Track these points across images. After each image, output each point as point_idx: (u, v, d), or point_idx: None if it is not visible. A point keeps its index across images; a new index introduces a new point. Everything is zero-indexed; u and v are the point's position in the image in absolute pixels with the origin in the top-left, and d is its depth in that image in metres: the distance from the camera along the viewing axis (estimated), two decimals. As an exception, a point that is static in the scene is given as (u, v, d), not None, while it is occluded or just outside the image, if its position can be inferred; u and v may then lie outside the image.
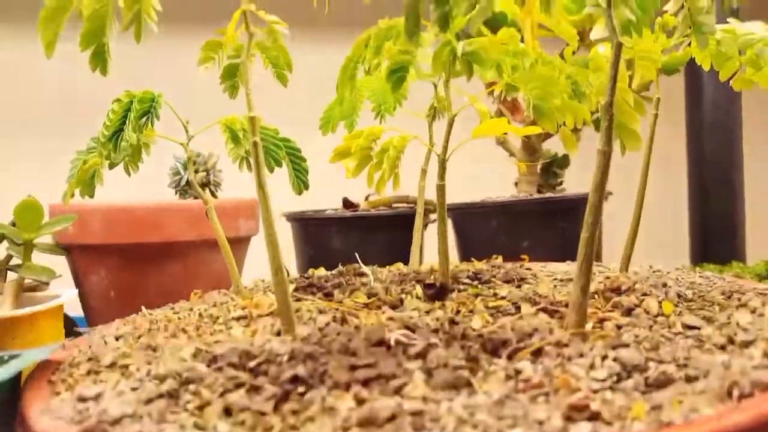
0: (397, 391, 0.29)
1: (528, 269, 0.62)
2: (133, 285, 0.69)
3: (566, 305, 0.43)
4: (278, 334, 0.40)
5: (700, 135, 1.11)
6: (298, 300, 0.49)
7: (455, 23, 0.37)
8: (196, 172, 0.85)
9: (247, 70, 0.39)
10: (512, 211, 0.80)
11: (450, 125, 0.49)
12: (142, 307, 0.56)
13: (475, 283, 0.53)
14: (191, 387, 0.32)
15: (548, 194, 0.89)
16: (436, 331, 0.37)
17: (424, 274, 0.58)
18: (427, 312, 0.44)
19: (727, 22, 0.47)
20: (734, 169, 1.10)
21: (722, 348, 0.34)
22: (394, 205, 1.02)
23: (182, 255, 0.71)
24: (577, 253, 0.36)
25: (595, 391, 0.29)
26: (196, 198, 0.86)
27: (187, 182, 0.85)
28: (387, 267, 0.70)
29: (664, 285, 0.50)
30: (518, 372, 0.31)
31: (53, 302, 0.53)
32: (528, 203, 0.81)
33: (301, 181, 0.60)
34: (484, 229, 0.82)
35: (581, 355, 0.33)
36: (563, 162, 1.00)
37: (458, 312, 0.44)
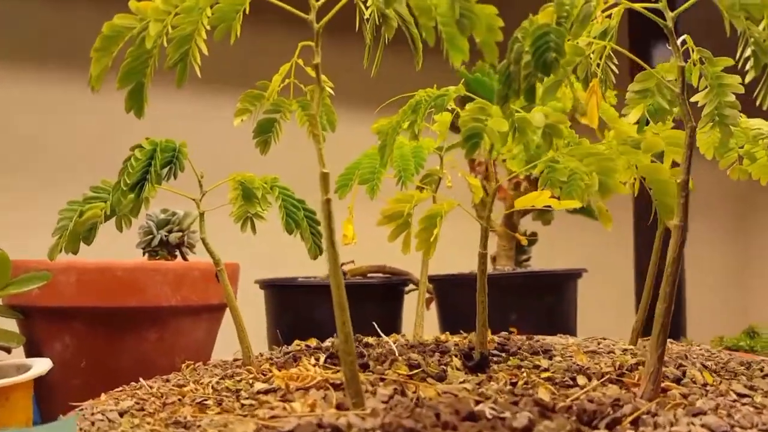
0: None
1: (537, 341, 0.62)
2: (106, 354, 0.62)
3: (619, 375, 0.42)
4: (340, 407, 0.36)
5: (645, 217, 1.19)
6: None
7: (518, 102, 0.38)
8: (170, 232, 0.80)
9: (317, 123, 0.38)
10: (500, 284, 0.81)
11: (492, 197, 0.49)
12: (140, 379, 0.50)
13: (503, 354, 0.52)
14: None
15: (534, 269, 0.91)
16: (515, 403, 0.36)
17: (448, 345, 0.56)
18: (479, 384, 0.43)
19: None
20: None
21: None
22: (370, 275, 1.00)
23: (162, 322, 0.65)
24: (654, 323, 0.37)
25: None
26: (166, 259, 0.80)
27: (160, 242, 0.79)
28: (388, 338, 0.67)
29: (686, 357, 0.51)
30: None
31: (30, 373, 0.46)
32: (517, 277, 0.82)
33: (316, 246, 0.57)
34: (471, 301, 0.82)
35: (672, 424, 0.33)
36: (532, 240, 1.04)
37: (513, 384, 0.42)
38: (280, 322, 0.83)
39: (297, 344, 0.69)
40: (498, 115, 0.40)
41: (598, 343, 0.60)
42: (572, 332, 0.86)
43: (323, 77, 0.48)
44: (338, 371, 0.45)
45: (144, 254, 0.81)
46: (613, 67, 0.44)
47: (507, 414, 0.32)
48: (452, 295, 0.85)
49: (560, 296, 0.82)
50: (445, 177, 0.70)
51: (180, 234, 0.80)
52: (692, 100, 0.50)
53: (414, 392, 0.40)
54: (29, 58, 1.16)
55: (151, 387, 0.48)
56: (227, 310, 0.78)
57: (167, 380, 0.52)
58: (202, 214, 0.52)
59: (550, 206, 0.47)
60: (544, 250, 1.07)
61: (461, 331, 0.78)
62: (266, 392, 0.44)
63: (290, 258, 0.96)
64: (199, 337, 0.70)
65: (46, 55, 1.16)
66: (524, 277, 0.82)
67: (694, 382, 0.42)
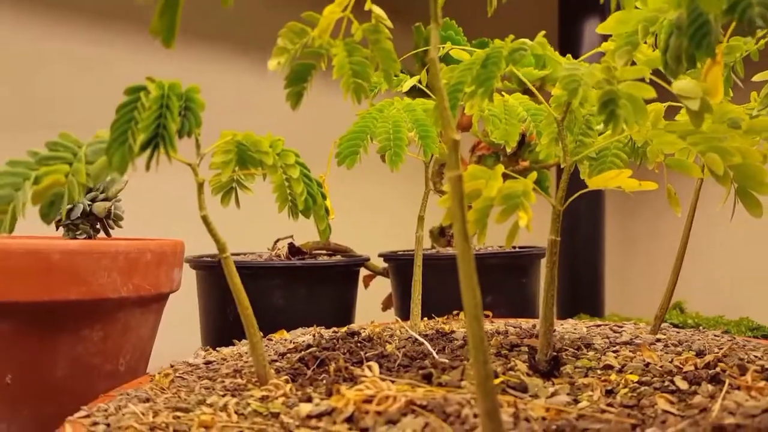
0: None
1: (554, 331, 0.58)
2: (35, 361, 0.47)
3: (713, 376, 0.39)
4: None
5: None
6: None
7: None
8: (94, 200, 0.63)
9: (438, 71, 0.28)
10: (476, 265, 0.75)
11: (568, 173, 0.43)
12: (120, 398, 0.37)
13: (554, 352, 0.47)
14: None
15: (507, 248, 0.87)
16: (663, 422, 0.30)
17: (456, 336, 0.49)
18: (570, 394, 0.37)
19: None
20: (599, 232, 1.23)
21: None
22: (314, 252, 0.90)
23: (108, 318, 0.51)
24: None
25: None
26: (89, 236, 0.64)
27: (82, 214, 0.62)
28: (391, 328, 0.58)
29: (743, 347, 0.49)
30: None
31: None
32: (492, 257, 0.77)
33: (329, 227, 0.47)
34: (444, 282, 0.76)
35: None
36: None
37: (609, 392, 0.37)
38: (224, 312, 0.70)
39: (267, 338, 0.58)
40: (627, 77, 0.34)
41: (614, 331, 0.57)
42: (535, 314, 0.84)
43: (381, 13, 0.38)
44: (410, 385, 0.36)
45: (57, 228, 0.64)
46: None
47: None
48: (408, 274, 0.79)
49: (531, 276, 0.79)
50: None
51: (107, 203, 0.64)
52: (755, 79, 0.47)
53: (516, 411, 0.33)
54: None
55: (142, 414, 0.36)
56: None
57: (148, 399, 0.40)
58: (201, 184, 0.40)
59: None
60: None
61: (433, 315, 0.72)
62: (319, 417, 0.34)
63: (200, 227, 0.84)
64: (144, 334, 0.57)
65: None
66: (499, 257, 0.78)
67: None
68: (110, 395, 0.41)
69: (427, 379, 0.38)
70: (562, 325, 0.63)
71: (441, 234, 0.98)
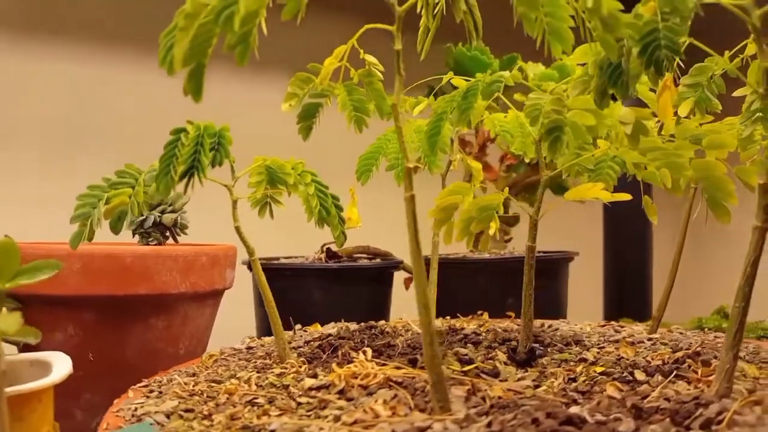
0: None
1: (555, 329, 0.63)
2: (112, 345, 0.58)
3: (675, 369, 0.43)
4: (422, 409, 0.35)
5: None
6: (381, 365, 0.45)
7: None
8: (163, 212, 0.75)
9: (399, 115, 0.36)
10: (499, 268, 0.81)
11: (544, 186, 0.48)
12: (174, 373, 0.47)
13: (539, 346, 0.52)
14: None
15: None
16: (598, 403, 0.36)
17: (467, 333, 0.56)
18: (536, 380, 0.43)
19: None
20: (646, 233, 1.24)
21: None
22: (355, 255, 0.98)
23: (170, 309, 0.61)
24: (730, 321, 0.37)
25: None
26: (159, 243, 0.76)
27: (153, 223, 0.74)
28: (403, 323, 0.66)
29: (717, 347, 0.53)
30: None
31: (65, 370, 0.42)
32: (516, 260, 0.82)
33: (344, 234, 0.55)
34: (468, 284, 0.82)
35: (763, 423, 0.34)
36: (514, 221, 1.05)
37: (572, 380, 0.42)
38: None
39: (302, 329, 0.67)
40: (577, 107, 0.39)
41: (616, 331, 0.62)
42: (564, 316, 0.88)
43: (373, 60, 0.45)
44: (396, 367, 0.44)
45: (134, 236, 0.76)
46: (680, 62, 0.44)
47: (603, 417, 0.32)
48: (446, 279, 0.85)
49: (557, 280, 0.84)
50: (454, 160, 0.69)
51: (174, 215, 0.76)
52: (735, 94, 0.51)
53: (473, 389, 0.39)
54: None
55: (186, 384, 0.46)
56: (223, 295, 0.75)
57: (194, 374, 0.49)
58: (235, 202, 0.49)
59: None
60: (518, 232, 1.09)
61: (458, 315, 0.78)
62: (318, 389, 0.42)
63: (270, 237, 0.94)
64: (201, 324, 0.67)
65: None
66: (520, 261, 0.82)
67: (745, 376, 0.43)
68: (166, 371, 0.51)
69: (413, 363, 0.45)
70: (569, 324, 0.68)
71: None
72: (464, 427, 0.32)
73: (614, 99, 0.35)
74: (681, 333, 0.60)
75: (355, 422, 0.34)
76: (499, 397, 0.39)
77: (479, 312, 0.78)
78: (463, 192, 0.44)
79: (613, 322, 0.65)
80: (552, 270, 0.84)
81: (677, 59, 0.42)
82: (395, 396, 0.38)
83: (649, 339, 0.56)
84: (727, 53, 0.44)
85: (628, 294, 1.23)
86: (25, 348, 0.53)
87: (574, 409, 0.33)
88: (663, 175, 0.41)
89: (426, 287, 0.35)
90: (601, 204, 1.37)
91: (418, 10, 0.41)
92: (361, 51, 0.44)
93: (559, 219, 1.59)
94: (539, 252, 0.89)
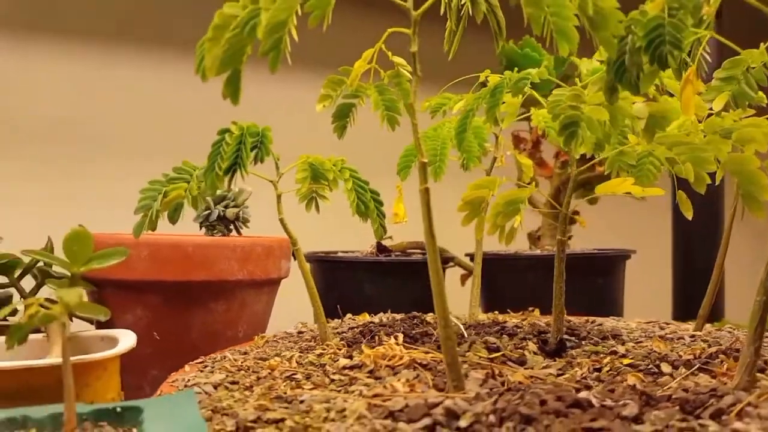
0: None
1: (599, 324, 0.63)
2: (176, 326, 0.64)
3: (703, 364, 0.43)
4: (440, 389, 0.38)
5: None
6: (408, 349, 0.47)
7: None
8: (226, 207, 0.81)
9: (415, 113, 0.38)
10: (551, 265, 0.81)
11: (574, 181, 0.49)
12: (227, 352, 0.52)
13: (574, 338, 0.53)
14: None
15: (585, 250, 0.91)
16: (612, 391, 0.37)
17: (508, 326, 0.57)
18: (561, 369, 0.44)
19: None
20: (717, 230, 1.18)
21: None
22: (409, 251, 1.01)
23: (228, 295, 0.66)
24: (751, 316, 0.37)
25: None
26: (223, 234, 0.82)
27: (218, 217, 0.80)
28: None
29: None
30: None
31: (128, 343, 0.48)
32: (569, 258, 0.82)
33: (382, 227, 0.58)
34: (518, 281, 0.83)
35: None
36: (572, 219, 1.04)
37: (597, 370, 0.43)
38: (327, 297, 0.84)
39: (351, 318, 0.71)
40: (593, 102, 0.40)
41: (661, 328, 0.61)
42: (620, 314, 0.87)
43: (401, 61, 0.48)
44: (425, 352, 0.46)
45: (201, 228, 0.82)
46: (707, 56, 0.44)
47: (611, 402, 0.33)
48: (497, 275, 0.86)
49: (610, 277, 0.83)
50: (499, 156, 0.70)
51: (236, 209, 0.81)
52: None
53: (501, 376, 0.41)
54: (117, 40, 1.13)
55: (235, 360, 0.50)
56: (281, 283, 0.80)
57: (245, 353, 0.54)
58: (279, 196, 0.53)
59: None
60: (581, 229, 1.07)
61: (508, 310, 0.79)
62: (351, 368, 0.45)
63: (328, 233, 0.97)
64: (259, 310, 0.72)
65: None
66: (575, 258, 0.82)
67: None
68: (222, 351, 0.56)
69: (439, 348, 0.47)
70: (617, 321, 0.67)
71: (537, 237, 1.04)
72: (472, 404, 0.34)
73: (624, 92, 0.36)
74: (729, 331, 0.58)
75: (375, 395, 0.37)
76: (520, 382, 0.40)
77: (530, 308, 0.79)
78: (490, 186, 0.46)
79: (659, 320, 0.64)
80: (607, 268, 0.83)
81: (698, 54, 0.42)
82: (417, 376, 0.40)
83: (691, 336, 0.55)
84: (762, 45, 0.43)
85: (697, 294, 1.18)
86: (99, 326, 0.60)
87: (583, 394, 0.34)
88: (687, 169, 0.41)
89: (440, 274, 0.37)
90: (670, 203, 1.32)
91: (441, 12, 0.43)
92: (389, 53, 0.46)
93: (626, 218, 1.55)
94: (595, 250, 0.88)
